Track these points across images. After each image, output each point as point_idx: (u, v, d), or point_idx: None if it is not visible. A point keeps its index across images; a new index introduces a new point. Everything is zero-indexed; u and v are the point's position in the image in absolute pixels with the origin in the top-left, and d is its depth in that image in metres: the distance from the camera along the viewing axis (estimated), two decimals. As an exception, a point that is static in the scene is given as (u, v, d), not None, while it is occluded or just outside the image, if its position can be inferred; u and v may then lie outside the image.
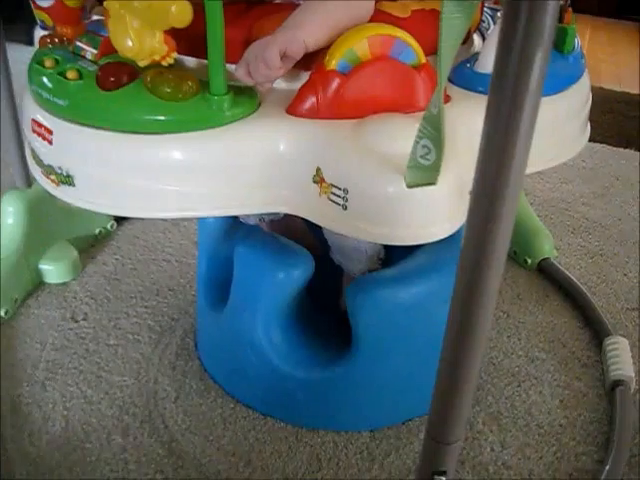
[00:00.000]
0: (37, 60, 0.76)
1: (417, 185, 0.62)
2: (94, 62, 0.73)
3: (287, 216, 0.84)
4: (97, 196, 0.73)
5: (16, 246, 1.10)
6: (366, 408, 0.91)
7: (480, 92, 0.74)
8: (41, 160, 0.76)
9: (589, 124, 0.91)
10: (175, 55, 0.67)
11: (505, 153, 0.42)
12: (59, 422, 0.91)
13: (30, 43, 0.88)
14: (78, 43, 0.76)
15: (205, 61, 0.67)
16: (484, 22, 0.87)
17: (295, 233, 0.94)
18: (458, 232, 0.68)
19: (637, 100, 1.98)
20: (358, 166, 0.64)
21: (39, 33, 0.86)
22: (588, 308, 1.14)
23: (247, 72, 0.68)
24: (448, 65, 0.55)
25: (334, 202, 0.65)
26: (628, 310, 1.16)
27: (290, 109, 0.69)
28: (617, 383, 0.97)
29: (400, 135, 0.64)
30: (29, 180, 1.14)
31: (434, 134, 0.58)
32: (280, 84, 0.72)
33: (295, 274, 0.83)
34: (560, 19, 0.80)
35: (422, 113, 0.60)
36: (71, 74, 0.71)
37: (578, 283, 1.19)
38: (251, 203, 0.70)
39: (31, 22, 0.91)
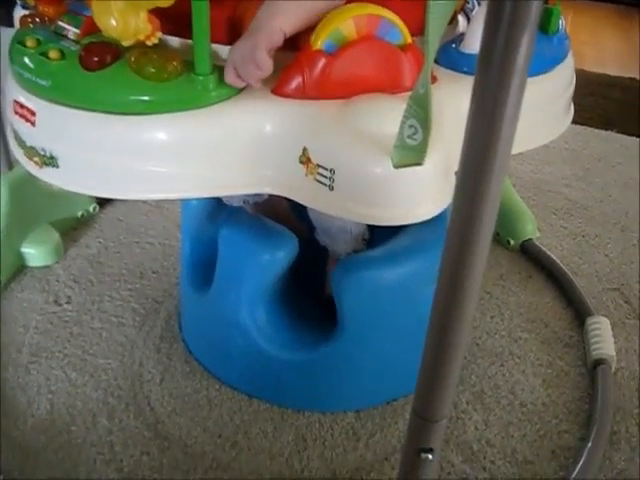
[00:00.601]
0: (18, 40, 0.74)
1: (404, 165, 0.62)
2: (77, 42, 0.72)
3: (271, 198, 0.84)
4: (81, 177, 0.72)
5: (-2, 229, 1.08)
6: (351, 389, 0.92)
7: (465, 72, 0.74)
8: (24, 142, 0.75)
9: (572, 105, 0.92)
10: (159, 35, 0.67)
11: (491, 134, 0.42)
12: (44, 405, 0.91)
13: (10, 25, 0.86)
14: (60, 23, 0.75)
15: (189, 41, 0.66)
16: (469, 3, 0.86)
17: (279, 215, 0.94)
18: (442, 213, 0.69)
19: (618, 82, 1.99)
20: (345, 146, 0.64)
21: (19, 13, 0.84)
22: (570, 288, 1.15)
23: (236, 75, 0.67)
24: (435, 46, 0.55)
25: (320, 182, 0.65)
26: (609, 290, 1.17)
27: (276, 89, 0.69)
28: (599, 362, 0.99)
29: (386, 115, 0.64)
30: (10, 163, 1.12)
31: (421, 114, 0.58)
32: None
33: (280, 255, 0.83)
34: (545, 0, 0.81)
35: (408, 93, 0.60)
36: (53, 54, 0.70)
37: (560, 264, 1.20)
38: (236, 184, 0.70)
39: (10, 3, 0.89)
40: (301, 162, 0.66)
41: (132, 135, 0.68)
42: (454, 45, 0.77)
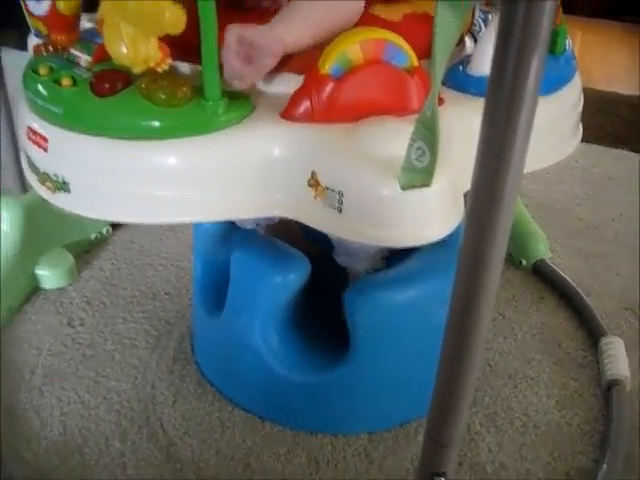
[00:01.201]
0: (32, 68, 0.76)
1: (412, 187, 0.62)
2: (88, 69, 0.73)
3: (283, 219, 0.85)
4: (93, 202, 0.73)
5: (12, 253, 1.09)
6: (364, 411, 0.92)
7: (472, 94, 0.74)
8: (37, 167, 0.76)
9: (581, 125, 0.92)
10: (169, 61, 0.68)
11: (503, 154, 0.43)
12: (57, 427, 0.91)
13: (23, 48, 0.88)
14: (72, 50, 0.76)
15: (198, 66, 0.67)
16: (475, 25, 0.87)
17: (291, 237, 0.94)
18: (454, 234, 0.69)
19: (627, 100, 1.99)
20: (353, 169, 0.65)
21: (33, 40, 0.86)
22: (583, 309, 1.14)
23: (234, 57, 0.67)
24: (442, 68, 0.56)
25: (329, 205, 0.66)
26: (622, 310, 1.16)
27: (284, 113, 0.69)
28: (613, 383, 0.98)
29: (394, 138, 0.65)
30: (25, 186, 1.14)
31: (428, 136, 0.59)
32: (273, 88, 0.73)
33: (291, 278, 0.84)
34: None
35: (415, 116, 0.61)
36: (65, 81, 0.72)
37: (573, 284, 1.19)
38: (246, 208, 0.70)
39: (24, 28, 0.91)
40: (310, 185, 0.67)
41: (142, 160, 0.68)
42: (461, 67, 0.77)
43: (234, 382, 0.96)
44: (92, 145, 0.69)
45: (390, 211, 0.64)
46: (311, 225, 0.69)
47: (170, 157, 0.68)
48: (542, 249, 1.26)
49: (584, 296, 1.17)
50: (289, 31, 0.68)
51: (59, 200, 0.75)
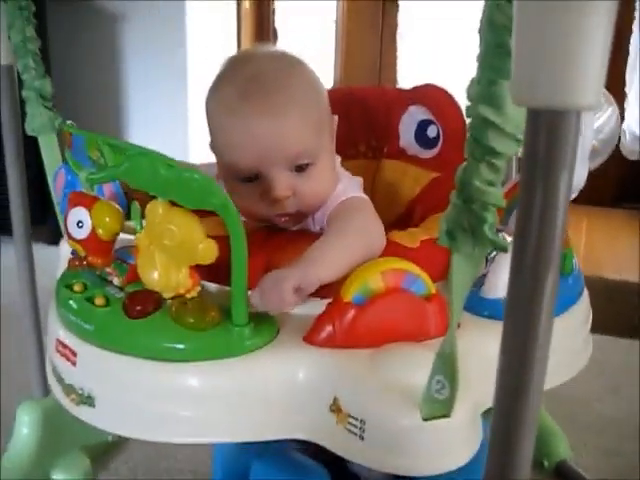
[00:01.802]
0: (65, 283, 0.80)
1: (432, 418, 0.63)
2: (121, 288, 0.77)
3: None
4: (116, 418, 0.74)
5: (29, 456, 1.09)
6: None
7: (487, 317, 0.77)
8: (62, 378, 0.78)
9: (590, 338, 0.94)
10: (199, 289, 0.71)
11: (523, 376, 0.45)
12: None
13: (54, 243, 0.92)
14: (106, 269, 0.81)
15: (227, 288, 0.71)
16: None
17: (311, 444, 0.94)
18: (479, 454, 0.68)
19: (637, 289, 2.02)
20: (374, 398, 0.66)
21: (66, 250, 0.89)
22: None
23: (260, 298, 0.70)
24: (459, 312, 0.59)
25: (351, 432, 0.66)
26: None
27: (307, 338, 0.72)
28: None
29: (414, 366, 0.67)
30: (46, 388, 1.15)
31: (448, 371, 0.61)
32: (297, 310, 0.76)
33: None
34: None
35: (433, 341, 0.63)
36: (99, 300, 0.75)
37: (597, 485, 1.16)
38: (266, 430, 0.71)
39: (56, 223, 0.95)
40: (332, 411, 0.68)
41: (167, 381, 0.70)
42: (474, 289, 0.80)
43: None
44: (121, 364, 0.72)
45: (411, 440, 0.64)
46: (333, 450, 0.69)
47: (192, 379, 0.70)
48: (563, 449, 1.23)
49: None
50: (327, 271, 0.72)
51: (83, 413, 0.76)
